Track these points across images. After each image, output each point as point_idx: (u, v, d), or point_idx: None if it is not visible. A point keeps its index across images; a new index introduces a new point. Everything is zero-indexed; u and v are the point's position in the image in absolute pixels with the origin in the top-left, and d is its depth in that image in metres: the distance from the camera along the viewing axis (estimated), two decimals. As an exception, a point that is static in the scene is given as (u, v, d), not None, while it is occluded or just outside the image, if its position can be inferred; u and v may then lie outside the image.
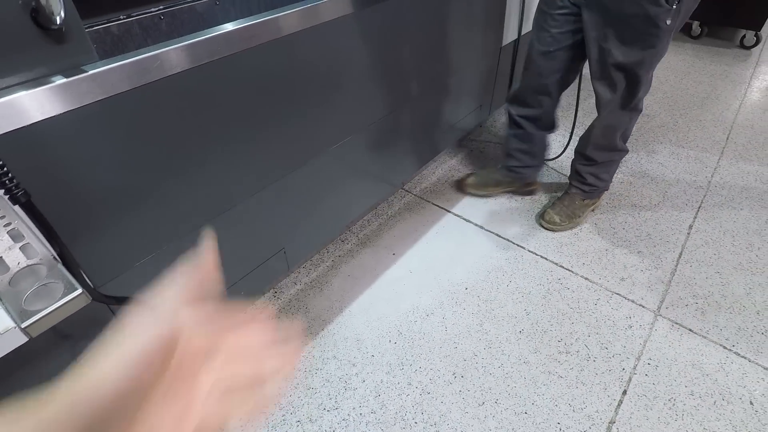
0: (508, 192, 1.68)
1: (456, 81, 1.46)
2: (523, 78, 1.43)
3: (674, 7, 1.07)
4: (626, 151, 1.44)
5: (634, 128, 2.01)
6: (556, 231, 1.51)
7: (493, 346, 1.19)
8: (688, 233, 1.51)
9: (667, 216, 1.57)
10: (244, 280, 1.02)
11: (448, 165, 1.84)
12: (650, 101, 2.23)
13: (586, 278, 1.36)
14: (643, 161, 1.84)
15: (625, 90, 1.24)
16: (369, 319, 1.26)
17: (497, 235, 1.51)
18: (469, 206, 1.63)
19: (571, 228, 1.52)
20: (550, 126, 1.49)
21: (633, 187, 1.70)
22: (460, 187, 1.69)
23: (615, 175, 1.70)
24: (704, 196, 1.65)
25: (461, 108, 1.58)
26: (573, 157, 1.52)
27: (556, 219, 1.50)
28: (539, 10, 1.29)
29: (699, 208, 1.61)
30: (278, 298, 1.32)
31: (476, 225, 1.55)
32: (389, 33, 1.11)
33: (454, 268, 1.40)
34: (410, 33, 1.18)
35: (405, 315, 1.27)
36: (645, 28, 1.10)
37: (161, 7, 0.94)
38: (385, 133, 1.29)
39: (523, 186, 1.65)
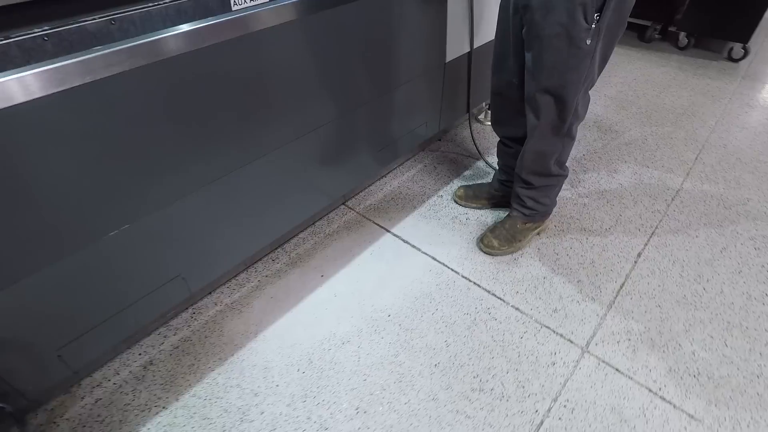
0: (500, 206, 1.62)
1: (396, 96, 1.41)
2: (493, 102, 1.39)
3: (593, 26, 1.01)
4: (565, 176, 1.37)
5: (600, 144, 1.95)
6: (494, 255, 1.45)
7: (404, 379, 1.14)
8: (636, 261, 1.43)
9: (617, 242, 1.50)
10: (133, 307, 0.99)
11: (398, 181, 1.79)
12: (622, 116, 2.15)
13: (516, 308, 1.30)
14: (602, 181, 1.76)
15: (555, 115, 1.17)
16: (282, 346, 1.22)
17: (433, 258, 1.46)
18: (411, 226, 1.58)
19: (511, 252, 1.46)
20: None
21: (586, 210, 1.63)
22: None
23: (568, 195, 1.64)
24: (660, 221, 1.57)
25: (404, 124, 1.53)
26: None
27: (495, 243, 1.44)
28: (499, 38, 1.25)
29: (652, 234, 1.53)
30: (195, 319, 1.29)
31: (413, 246, 1.50)
32: (322, 43, 1.09)
33: (381, 293, 1.35)
34: (345, 45, 1.15)
35: (320, 342, 1.22)
36: (567, 49, 1.04)
37: (45, 28, 0.92)
38: (318, 146, 1.26)
39: None
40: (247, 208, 1.16)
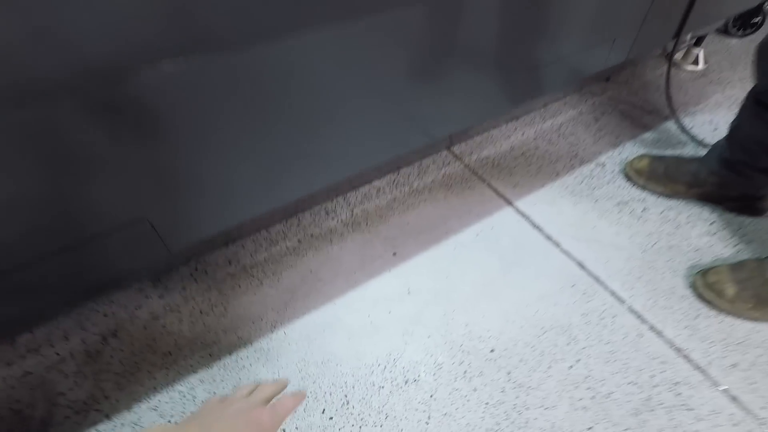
0: (706, 200, 0.97)
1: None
2: None
3: None
4: None
5: None
6: (717, 308, 0.81)
7: (503, 487, 0.62)
8: None
9: None
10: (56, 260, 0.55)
11: (536, 129, 1.18)
12: None
13: (733, 398, 0.69)
14: None
15: None
16: (307, 360, 0.74)
17: (580, 264, 0.87)
18: (548, 204, 0.99)
19: (751, 317, 0.79)
20: None
21: None
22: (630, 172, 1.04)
23: None
24: None
25: (575, 36, 0.89)
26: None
27: (729, 291, 0.79)
28: None
29: None
30: (199, 279, 0.86)
31: (547, 237, 0.92)
32: None
33: (483, 307, 0.81)
34: None
35: (369, 368, 0.73)
36: None
37: None
38: (430, 46, 0.69)
39: (743, 199, 0.93)
40: (298, 127, 0.64)
